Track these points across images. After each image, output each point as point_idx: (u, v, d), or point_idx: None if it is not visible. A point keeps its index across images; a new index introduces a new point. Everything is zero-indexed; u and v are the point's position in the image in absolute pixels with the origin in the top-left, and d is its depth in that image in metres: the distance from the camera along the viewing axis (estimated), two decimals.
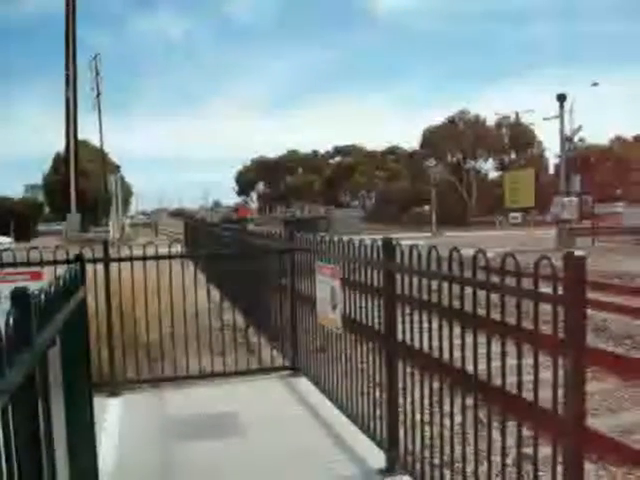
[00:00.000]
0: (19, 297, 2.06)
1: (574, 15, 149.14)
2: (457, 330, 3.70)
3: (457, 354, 3.74)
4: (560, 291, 2.81)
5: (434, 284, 3.97)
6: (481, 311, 3.42)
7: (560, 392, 2.84)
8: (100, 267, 6.48)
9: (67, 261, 5.99)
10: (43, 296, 2.42)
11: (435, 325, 3.96)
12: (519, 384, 3.13)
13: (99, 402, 5.05)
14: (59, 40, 42.50)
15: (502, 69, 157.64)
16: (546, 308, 2.92)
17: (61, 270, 4.96)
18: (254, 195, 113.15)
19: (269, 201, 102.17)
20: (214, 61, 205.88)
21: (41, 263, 6.22)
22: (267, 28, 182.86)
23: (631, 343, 10.06)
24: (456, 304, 3.63)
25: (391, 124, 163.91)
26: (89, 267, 6.03)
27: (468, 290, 3.51)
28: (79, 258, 5.72)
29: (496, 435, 3.36)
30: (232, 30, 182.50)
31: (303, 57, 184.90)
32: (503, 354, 3.21)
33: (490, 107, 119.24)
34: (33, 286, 4.70)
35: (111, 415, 5.98)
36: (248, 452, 5.09)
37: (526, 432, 3.26)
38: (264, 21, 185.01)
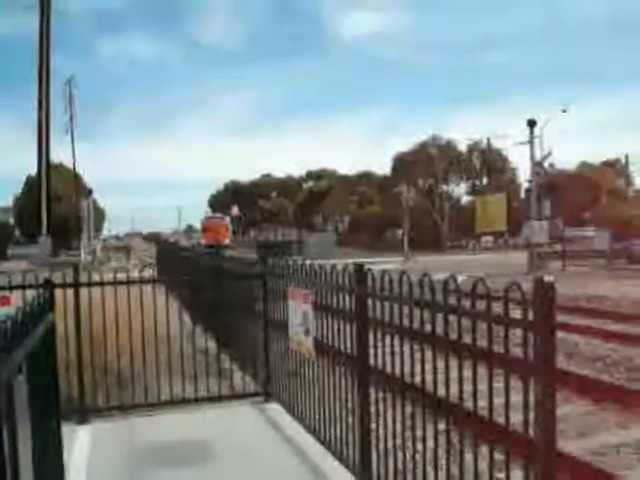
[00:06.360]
0: None
1: (544, 41, 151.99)
2: (429, 354, 3.71)
3: (429, 378, 3.74)
4: (530, 316, 2.84)
5: (406, 309, 3.98)
6: (453, 335, 3.43)
7: (531, 415, 2.86)
8: (70, 292, 6.39)
9: (36, 285, 5.92)
10: (9, 323, 2.38)
11: (407, 349, 3.97)
12: (490, 408, 3.14)
13: (67, 430, 4.96)
14: (30, 58, 42.30)
15: (472, 95, 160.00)
16: (518, 330, 2.95)
17: (30, 295, 4.89)
18: (228, 219, 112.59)
19: (243, 225, 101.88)
20: (186, 84, 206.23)
21: (10, 287, 6.13)
22: (239, 53, 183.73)
23: (601, 365, 10.16)
24: (427, 328, 3.64)
25: (363, 149, 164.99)
26: (59, 292, 5.97)
27: (440, 315, 3.53)
28: (48, 283, 5.68)
29: (469, 459, 3.36)
30: (204, 54, 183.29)
31: (274, 82, 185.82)
32: (474, 378, 3.22)
33: (462, 133, 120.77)
34: (1, 311, 4.64)
35: (80, 443, 5.86)
36: None
37: (499, 456, 3.26)
38: (236, 46, 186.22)
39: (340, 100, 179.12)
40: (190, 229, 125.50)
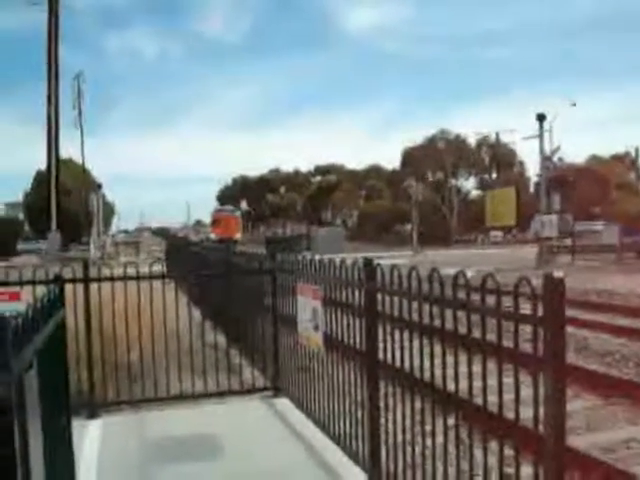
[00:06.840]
0: None
1: (551, 35, 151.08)
2: (438, 349, 3.70)
3: (438, 372, 3.74)
4: (540, 311, 2.83)
5: (415, 304, 3.97)
6: (462, 329, 3.43)
7: (541, 411, 2.85)
8: (80, 287, 6.41)
9: (46, 281, 5.94)
10: (20, 319, 2.39)
11: (416, 344, 3.97)
12: (500, 403, 3.13)
13: (78, 424, 4.99)
14: (39, 53, 42.44)
15: (474, 89, 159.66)
16: (527, 325, 2.94)
17: (40, 290, 4.91)
18: (238, 212, 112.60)
19: (251, 219, 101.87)
20: (190, 80, 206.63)
21: (20, 283, 6.16)
22: (242, 48, 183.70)
23: (611, 360, 10.13)
24: (437, 323, 3.64)
25: (366, 143, 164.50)
26: (69, 287, 5.99)
27: (449, 310, 3.52)
28: (58, 278, 5.70)
29: (478, 454, 3.35)
30: (208, 49, 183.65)
31: (278, 76, 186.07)
32: (484, 373, 3.21)
33: (464, 126, 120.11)
34: (11, 307, 4.67)
35: (90, 438, 5.89)
36: (229, 475, 5.04)
37: (508, 451, 3.25)
38: (239, 41, 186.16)
39: (342, 94, 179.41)
40: (199, 224, 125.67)
